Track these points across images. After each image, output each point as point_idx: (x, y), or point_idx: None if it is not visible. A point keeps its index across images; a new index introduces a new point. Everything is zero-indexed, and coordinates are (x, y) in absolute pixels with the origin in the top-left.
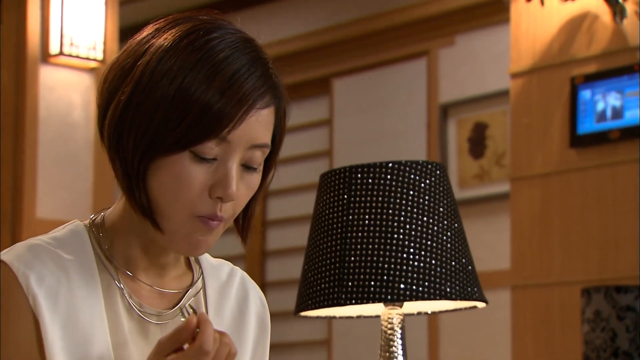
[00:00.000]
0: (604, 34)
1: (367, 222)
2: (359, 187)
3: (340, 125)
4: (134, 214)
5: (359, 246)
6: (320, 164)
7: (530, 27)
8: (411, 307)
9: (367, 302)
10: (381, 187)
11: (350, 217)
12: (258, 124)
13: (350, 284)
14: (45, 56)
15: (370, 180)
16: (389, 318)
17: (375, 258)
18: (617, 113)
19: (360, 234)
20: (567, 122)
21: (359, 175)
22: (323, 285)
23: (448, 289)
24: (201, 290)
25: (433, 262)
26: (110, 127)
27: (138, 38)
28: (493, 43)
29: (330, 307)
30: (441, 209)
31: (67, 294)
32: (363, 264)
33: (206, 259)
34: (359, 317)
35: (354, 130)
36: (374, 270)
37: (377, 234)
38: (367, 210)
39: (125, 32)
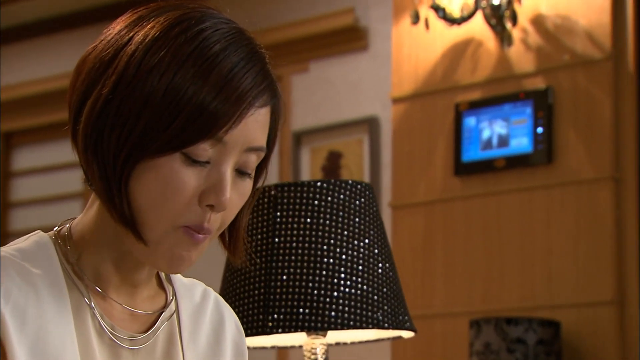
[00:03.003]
0: (489, 61)
1: (294, 244)
2: (285, 207)
3: None
4: (106, 225)
5: (285, 270)
6: None
7: (413, 51)
8: (332, 337)
9: (295, 331)
10: (309, 208)
11: (277, 239)
12: (256, 124)
13: (276, 311)
14: None
15: (297, 200)
16: (312, 348)
17: (303, 284)
18: (503, 141)
19: (287, 257)
20: (452, 150)
21: (285, 194)
22: (246, 313)
23: (380, 317)
24: (175, 313)
25: (365, 287)
26: (87, 125)
27: (117, 27)
28: (348, 71)
29: (253, 337)
30: (372, 232)
31: (36, 313)
32: (290, 289)
33: (178, 278)
34: (273, 347)
35: None
36: (302, 297)
37: (305, 258)
38: (295, 232)
39: None
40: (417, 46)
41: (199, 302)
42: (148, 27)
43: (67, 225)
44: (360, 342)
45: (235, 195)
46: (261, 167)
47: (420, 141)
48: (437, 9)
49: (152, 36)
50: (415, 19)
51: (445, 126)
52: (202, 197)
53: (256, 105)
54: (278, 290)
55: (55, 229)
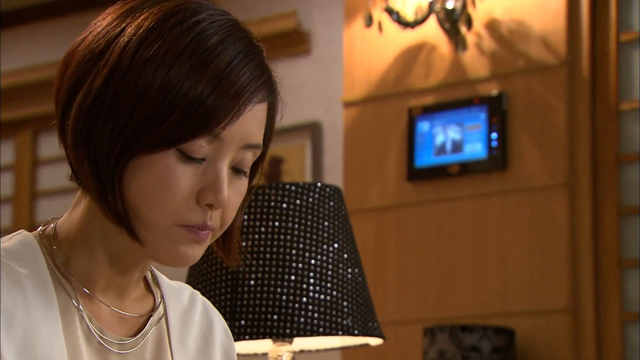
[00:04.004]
0: (443, 65)
1: (262, 249)
2: (252, 210)
3: None
4: (96, 224)
5: (252, 275)
6: None
7: (365, 54)
8: (298, 344)
9: (263, 338)
10: (277, 211)
11: (244, 243)
12: (254, 120)
13: (243, 317)
14: None
15: (265, 203)
16: (278, 356)
17: (271, 289)
18: (457, 147)
19: (254, 261)
20: (404, 155)
21: (253, 197)
22: None
23: (350, 323)
24: (163, 317)
25: (334, 293)
26: (78, 119)
27: (108, 18)
28: (290, 75)
29: None
30: (341, 236)
31: (24, 315)
32: (258, 295)
33: (165, 281)
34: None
35: None
36: (270, 303)
37: (273, 262)
38: (262, 236)
39: None
40: (370, 49)
41: (187, 306)
42: (141, 18)
43: (52, 225)
44: (326, 350)
45: (233, 193)
46: (256, 165)
47: (372, 146)
48: (390, 12)
49: (146, 27)
50: (369, 21)
51: (398, 131)
52: (200, 196)
53: (254, 100)
54: (245, 295)
55: (39, 228)
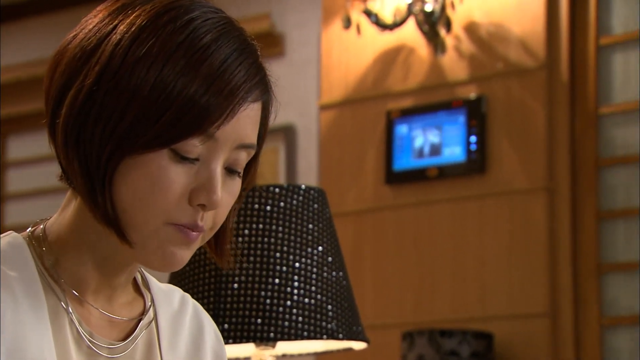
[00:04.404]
0: (421, 68)
1: (245, 251)
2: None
3: None
4: (86, 225)
5: (236, 278)
6: None
7: (343, 57)
8: (281, 348)
9: (247, 342)
10: (261, 213)
11: (227, 245)
12: (249, 120)
13: (227, 320)
14: None
15: (249, 206)
16: None
17: (255, 292)
18: (436, 150)
19: (238, 264)
20: (383, 158)
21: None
22: None
23: (335, 327)
24: (153, 320)
25: (318, 297)
26: (69, 118)
27: (99, 15)
28: None
29: None
30: (326, 239)
31: (13, 318)
32: (242, 298)
33: (155, 283)
34: None
35: None
36: (253, 306)
37: (257, 265)
38: (247, 239)
39: None
40: (348, 52)
41: (177, 309)
42: (133, 15)
43: (41, 226)
44: (308, 354)
45: (225, 194)
46: (250, 166)
47: (350, 149)
48: (369, 14)
49: (139, 25)
50: (347, 23)
51: (377, 134)
52: (192, 196)
53: (249, 100)
54: (229, 299)
55: (28, 229)
